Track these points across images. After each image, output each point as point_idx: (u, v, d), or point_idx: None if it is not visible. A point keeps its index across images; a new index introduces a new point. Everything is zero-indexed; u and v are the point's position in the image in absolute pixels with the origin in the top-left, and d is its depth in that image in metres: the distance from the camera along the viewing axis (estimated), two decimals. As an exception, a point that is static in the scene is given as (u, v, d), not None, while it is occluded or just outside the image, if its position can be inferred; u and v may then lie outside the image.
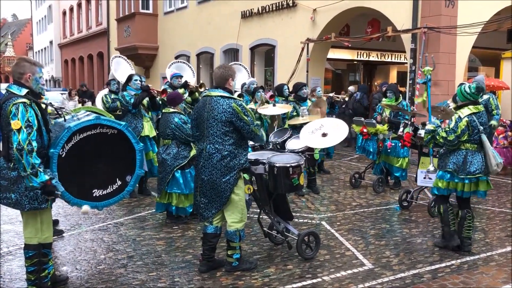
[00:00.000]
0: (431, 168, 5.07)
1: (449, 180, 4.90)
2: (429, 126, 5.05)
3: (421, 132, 5.74)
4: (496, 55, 14.87)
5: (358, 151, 8.32)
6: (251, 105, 7.69)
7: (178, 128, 5.69)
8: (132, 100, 7.02)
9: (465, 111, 4.81)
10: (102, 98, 8.61)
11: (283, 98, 9.10)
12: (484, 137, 4.84)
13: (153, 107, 7.28)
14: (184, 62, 10.74)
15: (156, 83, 20.66)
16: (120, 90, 7.59)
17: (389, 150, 7.63)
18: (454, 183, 4.88)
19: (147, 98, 7.20)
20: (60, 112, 4.08)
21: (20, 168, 3.52)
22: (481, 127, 4.80)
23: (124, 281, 4.27)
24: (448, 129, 4.80)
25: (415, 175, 7.64)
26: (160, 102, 7.24)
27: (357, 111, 12.41)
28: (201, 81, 8.86)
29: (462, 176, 4.82)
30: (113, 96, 8.19)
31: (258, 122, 4.33)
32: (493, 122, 7.36)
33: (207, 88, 8.39)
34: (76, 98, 16.12)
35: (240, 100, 4.26)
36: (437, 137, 4.87)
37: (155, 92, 7.24)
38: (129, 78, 7.40)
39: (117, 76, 8.91)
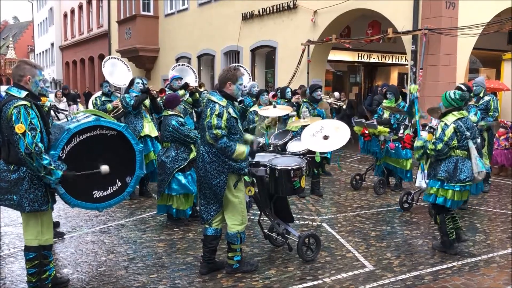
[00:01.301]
0: (423, 184, 5.11)
1: (439, 188, 4.91)
2: (417, 143, 5.07)
3: (422, 134, 5.74)
4: (496, 57, 14.87)
5: (362, 151, 8.31)
6: (255, 108, 7.69)
7: (176, 130, 5.71)
8: (132, 102, 7.04)
9: (450, 118, 4.85)
10: (92, 100, 8.62)
11: (285, 100, 9.10)
12: (470, 144, 4.89)
13: (155, 109, 7.29)
14: (188, 66, 10.70)
15: (157, 85, 20.65)
16: (124, 92, 7.62)
17: (393, 151, 7.63)
18: (444, 190, 4.88)
19: (149, 100, 7.22)
20: (58, 115, 4.09)
21: (34, 170, 3.56)
22: (468, 133, 4.84)
23: (125, 283, 4.27)
24: (434, 140, 4.84)
25: (415, 177, 7.65)
26: (162, 103, 7.25)
27: (362, 113, 12.44)
28: (200, 81, 8.83)
29: (452, 184, 4.84)
30: (103, 98, 8.19)
31: (217, 132, 4.13)
32: (481, 123, 7.31)
33: (206, 89, 8.40)
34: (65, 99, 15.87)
35: (221, 105, 4.12)
36: (428, 150, 4.91)
37: (155, 93, 7.24)
38: (132, 81, 7.43)
39: (112, 79, 8.85)
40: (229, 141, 4.12)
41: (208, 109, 4.14)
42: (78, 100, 18.40)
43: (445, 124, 4.83)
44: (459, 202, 4.99)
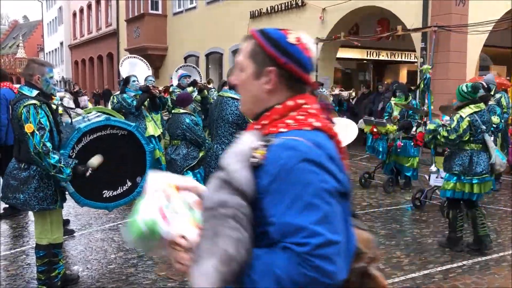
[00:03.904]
0: (433, 168, 5.05)
1: (456, 182, 4.86)
2: (430, 126, 5.02)
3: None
4: (507, 54, 14.74)
5: (368, 150, 8.28)
6: None
7: (189, 129, 5.69)
8: (134, 103, 6.96)
9: (466, 111, 4.78)
10: (111, 98, 8.65)
11: None
12: (487, 137, 4.82)
13: (153, 107, 7.20)
14: (193, 66, 10.68)
15: (166, 84, 20.74)
16: (119, 92, 7.54)
17: (399, 150, 7.58)
18: (462, 184, 4.82)
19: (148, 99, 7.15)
20: (69, 113, 4.11)
21: (44, 169, 3.57)
22: (484, 126, 4.76)
23: (135, 280, 4.29)
24: (449, 129, 4.77)
25: (425, 175, 7.60)
26: (159, 102, 7.19)
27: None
28: (209, 77, 8.82)
29: (469, 177, 4.77)
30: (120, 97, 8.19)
31: None
32: (494, 119, 7.17)
33: (214, 87, 8.38)
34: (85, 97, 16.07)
35: None
36: (438, 136, 4.86)
37: (157, 91, 7.16)
38: (127, 80, 7.27)
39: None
40: None
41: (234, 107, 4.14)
42: (88, 98, 18.52)
43: (461, 116, 4.75)
44: (481, 195, 4.93)
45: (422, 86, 6.09)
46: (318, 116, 1.38)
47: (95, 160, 3.70)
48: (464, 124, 4.71)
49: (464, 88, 4.84)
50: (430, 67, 5.91)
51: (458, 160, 4.83)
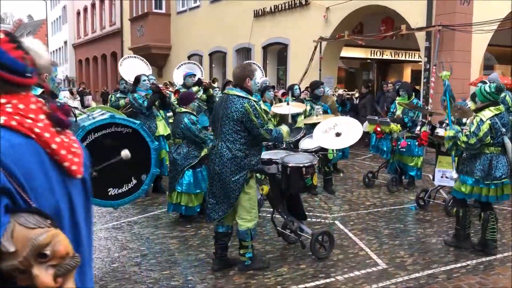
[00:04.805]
0: (454, 175, 4.94)
1: (473, 185, 4.75)
2: (449, 133, 4.87)
3: (439, 131, 5.64)
4: (512, 53, 14.68)
5: (372, 150, 8.26)
6: (261, 104, 7.68)
7: (187, 128, 5.69)
8: (146, 103, 6.97)
9: (487, 113, 4.64)
10: (109, 96, 8.72)
11: (294, 98, 9.08)
12: (506, 139, 4.70)
13: (164, 105, 7.24)
14: (193, 63, 10.65)
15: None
16: (130, 92, 7.57)
17: (403, 150, 7.55)
18: (479, 188, 4.72)
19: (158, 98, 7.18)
20: (74, 112, 4.11)
21: None
22: (503, 129, 4.65)
23: (138, 279, 4.29)
24: (469, 133, 4.64)
25: (429, 174, 7.59)
26: (170, 101, 7.23)
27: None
28: (213, 77, 8.81)
29: (488, 182, 4.66)
30: (118, 95, 8.22)
31: (271, 126, 4.30)
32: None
33: (217, 87, 8.37)
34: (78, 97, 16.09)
35: (254, 101, 4.23)
36: (458, 142, 4.71)
37: (168, 93, 7.19)
38: (137, 79, 7.30)
39: (131, 78, 8.88)
40: (274, 128, 4.38)
41: (248, 105, 4.14)
42: (92, 97, 18.57)
43: (481, 119, 4.62)
44: (503, 197, 4.81)
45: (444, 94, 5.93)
46: (16, 115, 1.40)
47: (124, 153, 3.69)
48: (485, 127, 4.56)
49: (487, 89, 4.68)
50: (449, 73, 5.72)
51: (479, 164, 4.70)
